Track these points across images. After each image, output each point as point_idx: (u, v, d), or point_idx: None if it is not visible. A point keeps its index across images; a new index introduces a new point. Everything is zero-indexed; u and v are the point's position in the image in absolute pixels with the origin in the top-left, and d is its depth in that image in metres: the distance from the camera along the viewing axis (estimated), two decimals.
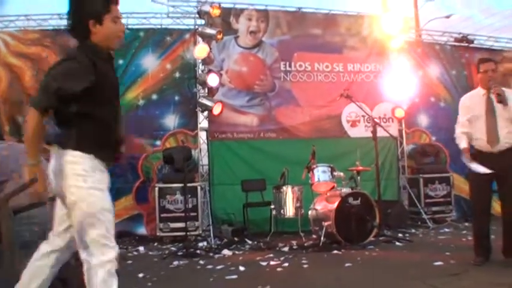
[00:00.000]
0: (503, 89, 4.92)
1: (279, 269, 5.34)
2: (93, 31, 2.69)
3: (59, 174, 2.60)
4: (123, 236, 7.82)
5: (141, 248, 7.18)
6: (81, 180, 2.58)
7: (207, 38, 8.34)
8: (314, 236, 7.29)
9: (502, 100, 4.79)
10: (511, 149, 4.86)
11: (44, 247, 2.80)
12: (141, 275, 5.14)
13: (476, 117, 4.99)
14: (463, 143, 5.07)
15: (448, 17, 21.10)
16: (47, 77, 2.59)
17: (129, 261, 6.03)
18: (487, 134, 4.88)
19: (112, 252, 2.62)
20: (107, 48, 2.80)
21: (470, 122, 5.05)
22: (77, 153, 2.60)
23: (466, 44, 10.87)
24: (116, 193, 7.94)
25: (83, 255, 2.60)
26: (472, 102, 5.12)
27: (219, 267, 5.57)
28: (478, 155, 4.98)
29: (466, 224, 8.33)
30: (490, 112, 4.90)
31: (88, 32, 2.69)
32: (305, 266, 5.53)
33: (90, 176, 2.60)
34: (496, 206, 5.26)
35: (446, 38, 11.02)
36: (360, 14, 10.19)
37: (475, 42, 11.14)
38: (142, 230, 8.31)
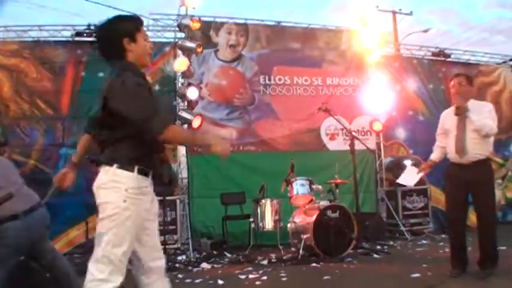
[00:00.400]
0: (472, 101, 5.03)
1: (257, 283, 5.34)
2: (128, 49, 2.75)
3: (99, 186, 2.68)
4: None
5: None
6: (124, 196, 2.64)
7: (187, 51, 8.37)
8: (293, 249, 7.31)
9: (459, 113, 4.93)
10: (483, 161, 4.94)
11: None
12: None
13: (449, 130, 5.10)
14: (432, 155, 5.39)
15: (425, 31, 21.45)
16: (135, 105, 2.60)
17: None
18: (455, 146, 4.97)
19: (104, 268, 2.56)
20: (141, 65, 2.88)
21: (446, 136, 5.17)
22: (130, 173, 2.65)
23: (443, 58, 11.08)
24: (93, 207, 7.87)
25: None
26: (446, 116, 5.25)
27: (197, 280, 5.55)
28: (452, 167, 5.09)
29: (443, 235, 8.42)
30: (459, 125, 4.98)
31: (124, 51, 2.75)
32: (284, 279, 5.54)
33: (133, 194, 2.66)
34: (473, 218, 5.33)
35: (423, 52, 11.22)
36: (338, 29, 10.34)
37: (452, 56, 11.36)
38: None
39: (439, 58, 11.12)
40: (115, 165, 2.63)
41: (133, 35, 2.77)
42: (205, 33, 9.07)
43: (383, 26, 12.01)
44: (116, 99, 2.61)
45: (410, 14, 20.13)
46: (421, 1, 74.51)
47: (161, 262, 2.86)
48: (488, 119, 4.87)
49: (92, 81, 8.50)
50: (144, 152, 2.69)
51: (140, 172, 2.66)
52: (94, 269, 2.52)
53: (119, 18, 2.86)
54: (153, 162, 2.76)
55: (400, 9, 20.09)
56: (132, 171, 2.63)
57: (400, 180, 5.97)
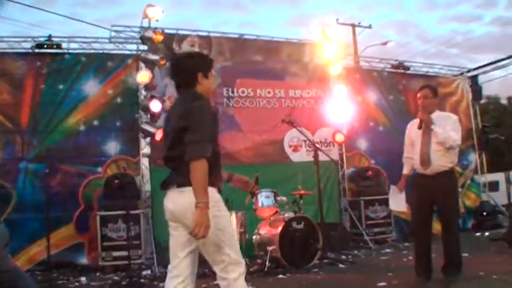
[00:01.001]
0: (437, 113, 5.13)
1: None
2: (199, 82, 3.10)
3: (191, 209, 2.79)
4: (63, 266, 7.57)
5: (83, 279, 6.93)
6: (216, 209, 2.90)
7: (150, 64, 8.31)
8: (259, 261, 7.30)
9: (422, 127, 5.06)
10: (447, 172, 5.03)
11: (170, 284, 3.06)
12: None
13: (414, 142, 5.19)
14: (404, 169, 5.40)
15: (384, 43, 21.97)
16: (202, 126, 2.89)
17: None
18: (419, 157, 5.06)
19: (242, 265, 2.99)
20: None
21: (413, 147, 5.25)
22: (210, 188, 2.86)
23: (403, 71, 11.33)
24: (55, 222, 7.71)
25: (219, 272, 2.97)
26: (411, 128, 5.34)
27: None
28: (418, 177, 5.19)
29: (406, 244, 8.57)
30: (424, 137, 5.07)
31: (195, 83, 3.10)
32: None
33: (222, 205, 3.01)
34: (437, 226, 5.38)
35: (383, 65, 11.46)
36: (301, 42, 10.47)
37: (411, 68, 11.64)
38: (83, 260, 8.01)
39: (398, 70, 11.36)
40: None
41: (206, 71, 3.16)
42: (168, 46, 9.01)
43: (343, 38, 12.23)
44: (192, 120, 2.89)
45: (370, 27, 20.64)
46: (379, 14, 76.33)
47: None
48: (452, 131, 4.96)
49: (52, 93, 8.36)
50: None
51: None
52: (231, 271, 2.93)
53: (199, 55, 3.43)
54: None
55: (359, 23, 20.55)
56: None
57: (392, 208, 6.08)
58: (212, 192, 2.88)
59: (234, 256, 2.96)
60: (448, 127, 4.98)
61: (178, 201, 2.92)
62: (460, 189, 11.42)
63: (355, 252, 8.23)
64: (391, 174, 10.28)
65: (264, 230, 7.25)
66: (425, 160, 5.00)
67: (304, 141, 9.64)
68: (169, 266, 3.10)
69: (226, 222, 3.04)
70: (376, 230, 9.36)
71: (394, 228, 9.69)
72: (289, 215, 7.20)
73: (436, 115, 5.11)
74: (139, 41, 8.74)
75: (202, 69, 3.14)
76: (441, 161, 4.98)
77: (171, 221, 3.07)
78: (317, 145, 8.33)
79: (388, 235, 9.54)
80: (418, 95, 5.24)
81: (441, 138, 4.91)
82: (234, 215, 7.32)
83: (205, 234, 2.75)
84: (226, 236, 2.94)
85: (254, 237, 7.37)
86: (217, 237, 2.88)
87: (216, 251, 2.93)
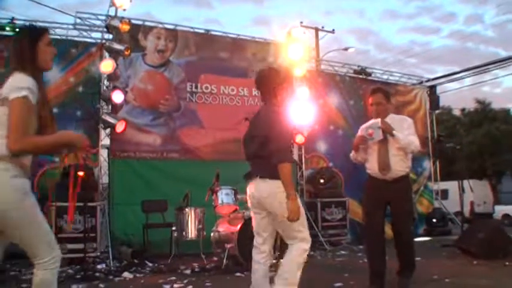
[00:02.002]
0: (391, 116, 4.97)
1: None
2: (278, 94, 3.84)
3: (272, 195, 3.63)
4: (16, 257, 7.30)
5: None
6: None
7: (114, 53, 8.15)
8: (215, 258, 7.27)
9: (385, 137, 4.84)
10: (404, 177, 4.91)
11: (258, 257, 4.03)
12: None
13: (369, 146, 4.99)
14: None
15: (346, 49, 22.29)
16: (284, 137, 3.65)
17: (24, 285, 5.66)
18: (378, 163, 4.91)
19: (308, 243, 3.76)
20: None
21: (365, 151, 5.07)
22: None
23: (364, 76, 11.52)
24: None
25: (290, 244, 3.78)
26: (365, 131, 5.08)
27: None
28: (371, 181, 5.04)
29: (360, 246, 8.70)
30: (382, 142, 4.89)
31: (275, 96, 3.84)
32: None
33: (297, 195, 3.61)
34: (389, 231, 5.14)
35: (346, 70, 11.63)
36: (266, 41, 10.51)
37: (372, 75, 11.85)
38: None
39: (360, 76, 11.56)
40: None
41: (282, 85, 3.91)
42: (133, 36, 8.89)
43: (307, 41, 12.33)
44: (275, 130, 3.61)
45: (333, 32, 20.87)
46: (342, 21, 77.45)
47: None
48: (411, 136, 4.84)
49: None
50: None
51: None
52: (301, 246, 3.73)
53: (278, 71, 4.13)
54: None
55: (322, 27, 20.75)
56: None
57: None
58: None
59: (305, 234, 3.73)
60: (406, 131, 4.85)
61: (261, 188, 3.69)
62: (413, 195, 11.74)
63: (311, 253, 8.25)
64: (348, 178, 10.47)
65: (223, 228, 7.22)
66: (385, 166, 4.86)
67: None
68: (255, 243, 4.06)
69: (301, 207, 3.64)
70: (331, 231, 9.50)
71: (349, 230, 9.85)
72: (248, 213, 7.18)
73: (391, 118, 4.96)
74: (105, 29, 8.58)
75: (280, 84, 3.87)
76: (399, 166, 4.87)
77: (254, 206, 3.88)
78: None
79: (342, 237, 9.70)
80: (370, 100, 5.06)
81: (403, 143, 4.77)
82: (192, 210, 7.30)
83: (298, 218, 3.52)
84: (301, 218, 3.58)
85: (212, 234, 7.32)
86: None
87: (293, 229, 3.66)
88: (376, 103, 4.96)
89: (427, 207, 12.28)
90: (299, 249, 3.74)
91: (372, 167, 4.99)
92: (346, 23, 78.42)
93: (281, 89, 3.86)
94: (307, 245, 3.75)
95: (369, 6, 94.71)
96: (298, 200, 3.58)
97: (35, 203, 2.73)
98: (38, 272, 2.74)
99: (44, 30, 2.98)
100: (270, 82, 3.87)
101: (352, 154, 5.15)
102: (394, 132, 4.79)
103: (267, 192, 3.66)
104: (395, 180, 4.88)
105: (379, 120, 4.86)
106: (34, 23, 8.22)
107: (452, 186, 16.18)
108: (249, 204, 3.98)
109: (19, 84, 2.69)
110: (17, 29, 3.06)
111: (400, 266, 4.99)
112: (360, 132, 5.15)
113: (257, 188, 3.74)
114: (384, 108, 4.96)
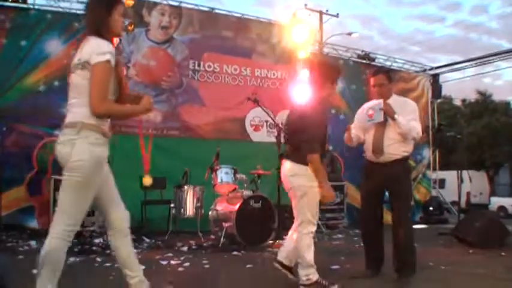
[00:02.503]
0: (394, 97, 4.83)
1: (180, 269, 5.25)
2: (327, 87, 4.26)
3: (295, 176, 4.16)
4: (12, 229, 7.35)
5: (33, 243, 6.68)
6: (311, 183, 4.08)
7: None
8: (212, 237, 7.29)
9: (386, 119, 4.71)
10: (400, 160, 4.73)
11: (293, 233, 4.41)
12: (34, 271, 4.81)
13: (368, 128, 4.86)
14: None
15: (350, 34, 22.17)
16: (314, 130, 4.05)
17: (21, 257, 5.67)
18: (372, 145, 4.78)
19: (310, 225, 4.17)
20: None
21: (363, 132, 4.91)
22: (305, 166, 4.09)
23: (368, 62, 11.46)
24: (5, 183, 7.49)
25: (297, 226, 4.21)
26: (374, 111, 4.85)
27: (117, 265, 5.30)
28: (368, 165, 4.93)
29: (357, 230, 8.71)
30: (380, 124, 4.73)
31: (323, 88, 4.25)
32: (206, 266, 5.49)
33: (315, 182, 4.07)
34: (388, 217, 5.00)
35: (350, 54, 11.55)
36: (270, 22, 10.42)
37: (376, 61, 11.79)
38: (34, 223, 7.78)
39: (363, 61, 11.49)
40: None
41: (335, 80, 4.33)
42: (137, 12, 8.81)
43: (311, 24, 12.27)
44: (305, 123, 4.05)
45: (337, 16, 20.74)
46: (347, 5, 77.00)
47: None
48: (413, 121, 4.69)
49: (13, 49, 8.03)
50: None
51: None
52: (302, 229, 4.16)
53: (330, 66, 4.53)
54: None
55: (327, 10, 20.61)
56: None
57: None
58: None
59: (308, 216, 4.11)
60: (409, 116, 4.69)
61: (287, 167, 4.21)
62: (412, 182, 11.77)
63: None
64: (347, 162, 10.48)
65: (221, 206, 7.23)
66: (378, 149, 4.72)
67: (266, 121, 9.66)
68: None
69: (314, 193, 4.07)
70: (328, 215, 9.52)
71: (346, 215, 9.88)
72: (248, 193, 7.20)
73: (393, 100, 4.81)
74: None
75: (330, 78, 4.26)
76: (394, 150, 4.70)
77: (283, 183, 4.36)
78: (281, 126, 8.30)
79: (339, 221, 9.74)
80: (372, 81, 4.91)
81: (404, 129, 4.62)
82: (191, 188, 7.29)
83: (333, 199, 4.27)
84: (310, 202, 4.08)
85: (210, 212, 7.34)
86: (303, 201, 4.10)
87: (299, 209, 4.15)
88: (379, 84, 4.83)
89: (424, 196, 12.32)
90: (300, 234, 4.17)
91: (367, 149, 4.88)
92: (350, 8, 77.90)
93: (329, 88, 4.29)
94: (307, 228, 4.15)
95: None
96: (328, 185, 4.11)
97: (105, 172, 3.07)
98: (50, 240, 2.89)
99: (119, 1, 3.14)
100: (324, 76, 4.26)
101: (346, 136, 4.93)
102: (395, 116, 4.63)
103: (289, 170, 4.20)
104: (389, 163, 4.71)
105: (381, 101, 4.73)
106: None
107: (450, 175, 16.26)
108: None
109: (101, 49, 2.84)
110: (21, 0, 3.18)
111: (397, 261, 4.75)
112: (360, 111, 5.00)
113: (285, 167, 4.28)
114: (386, 89, 4.83)
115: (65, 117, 2.97)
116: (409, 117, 4.70)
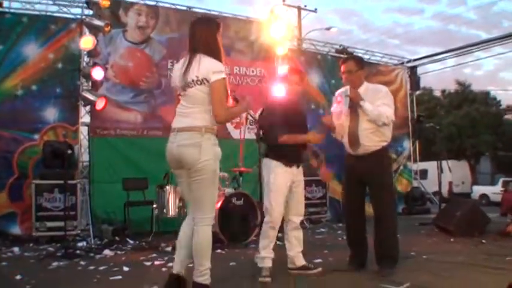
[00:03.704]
0: (365, 85, 4.77)
1: (164, 269, 5.26)
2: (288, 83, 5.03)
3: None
4: None
5: (16, 249, 6.66)
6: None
7: (94, 30, 8.02)
8: None
9: (353, 105, 4.70)
10: (378, 151, 4.70)
11: None
12: (18, 277, 4.80)
13: (343, 120, 4.81)
14: None
15: (328, 29, 22.27)
16: (271, 118, 4.72)
17: (4, 263, 5.62)
18: (348, 138, 4.74)
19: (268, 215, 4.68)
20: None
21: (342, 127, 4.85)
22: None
23: (346, 56, 11.51)
24: None
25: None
26: (341, 99, 4.94)
27: (101, 268, 5.35)
28: (348, 158, 4.89)
29: (340, 224, 8.81)
30: (352, 116, 4.72)
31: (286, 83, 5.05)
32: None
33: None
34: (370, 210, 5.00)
35: (328, 49, 11.61)
36: (248, 19, 10.44)
37: (354, 55, 11.85)
38: (16, 230, 7.68)
39: (342, 55, 11.54)
40: None
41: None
42: (114, 13, 8.74)
43: (289, 20, 12.30)
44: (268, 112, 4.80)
45: (315, 11, 20.82)
46: (325, 0, 77.25)
47: None
48: (384, 106, 4.59)
49: None
50: None
51: None
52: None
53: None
54: None
55: (305, 6, 20.67)
56: None
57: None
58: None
59: (267, 205, 4.70)
60: (378, 101, 4.61)
61: None
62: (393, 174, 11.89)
63: None
64: (328, 157, 10.51)
65: None
66: (354, 141, 4.69)
67: (246, 119, 9.66)
68: None
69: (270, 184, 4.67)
70: (311, 209, 9.57)
71: (328, 208, 9.95)
72: (229, 190, 7.23)
73: (365, 88, 4.75)
74: (85, 5, 8.43)
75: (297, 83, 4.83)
76: (371, 141, 4.65)
77: None
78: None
79: (322, 215, 9.81)
80: (342, 68, 4.83)
81: (372, 116, 4.55)
82: (173, 188, 7.29)
83: (320, 141, 4.81)
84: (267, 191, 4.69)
85: None
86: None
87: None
88: (348, 71, 4.78)
89: (406, 187, 12.45)
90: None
91: (345, 142, 4.83)
92: (329, 3, 78.14)
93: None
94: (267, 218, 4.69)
95: None
96: (311, 135, 4.73)
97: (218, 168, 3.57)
98: (198, 228, 3.49)
99: (220, 23, 3.76)
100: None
101: (334, 135, 5.00)
102: (361, 102, 4.57)
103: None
104: (367, 156, 4.68)
105: (348, 87, 4.76)
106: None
107: (431, 166, 16.43)
108: None
109: (217, 68, 3.46)
110: (201, 18, 3.45)
111: (378, 254, 4.72)
112: (334, 99, 5.03)
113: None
114: (355, 76, 4.76)
115: (175, 122, 3.62)
116: (379, 102, 4.62)
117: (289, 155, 4.69)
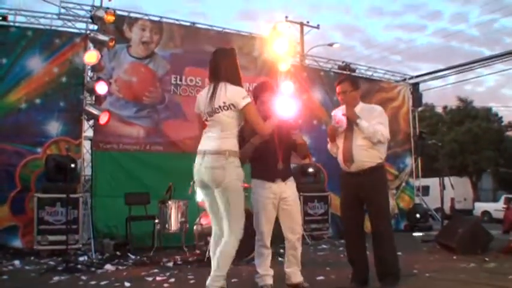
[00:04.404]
0: (360, 105, 4.81)
1: (165, 285, 5.25)
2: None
3: None
4: None
5: (17, 262, 6.65)
6: None
7: (99, 44, 8.09)
8: (198, 251, 7.26)
9: (349, 124, 4.70)
10: (373, 168, 4.67)
11: None
12: None
13: (339, 138, 4.84)
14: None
15: (331, 45, 22.35)
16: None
17: (5, 277, 5.60)
18: (342, 155, 4.74)
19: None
20: None
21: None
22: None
23: (349, 72, 11.56)
24: None
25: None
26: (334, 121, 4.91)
27: (103, 283, 5.34)
28: (343, 175, 4.87)
29: (342, 241, 8.75)
30: (347, 133, 4.74)
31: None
32: (192, 281, 5.49)
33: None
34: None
35: (330, 65, 11.66)
36: (251, 35, 10.50)
37: (356, 71, 11.91)
38: (17, 243, 7.69)
39: (344, 72, 11.59)
40: None
41: (258, 96, 4.97)
42: (118, 28, 8.83)
43: (292, 36, 12.38)
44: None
45: (318, 27, 20.90)
46: (328, 17, 77.65)
47: None
48: (379, 125, 4.63)
49: None
50: None
51: None
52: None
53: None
54: None
55: (308, 22, 20.77)
56: None
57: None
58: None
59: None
60: (373, 120, 4.64)
61: None
62: (394, 191, 11.87)
63: None
64: (330, 172, 10.52)
65: (206, 221, 7.19)
66: (348, 157, 4.68)
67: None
68: None
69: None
70: (313, 226, 9.56)
71: (330, 225, 9.92)
72: None
73: (360, 108, 4.79)
74: (90, 20, 8.51)
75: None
76: (365, 157, 4.65)
77: None
78: None
79: (324, 232, 9.77)
80: (338, 89, 4.89)
81: (367, 133, 4.58)
82: (175, 203, 7.28)
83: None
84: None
85: (195, 227, 7.32)
86: None
87: None
88: (343, 91, 4.81)
89: (408, 203, 12.41)
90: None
91: (339, 159, 4.83)
92: (331, 19, 78.70)
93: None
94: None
95: (354, 2, 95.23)
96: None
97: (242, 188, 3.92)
98: (228, 239, 3.92)
99: (235, 50, 4.29)
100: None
101: (329, 146, 4.99)
102: (358, 120, 4.61)
103: None
104: (363, 172, 4.66)
105: (343, 107, 4.80)
106: (18, 12, 8.24)
107: (433, 182, 16.40)
108: None
109: (243, 94, 3.88)
110: (222, 49, 3.67)
111: (380, 271, 4.70)
112: (332, 118, 4.97)
113: None
114: (351, 96, 4.79)
115: (202, 145, 3.94)
116: (374, 121, 4.66)
117: (264, 171, 4.75)
